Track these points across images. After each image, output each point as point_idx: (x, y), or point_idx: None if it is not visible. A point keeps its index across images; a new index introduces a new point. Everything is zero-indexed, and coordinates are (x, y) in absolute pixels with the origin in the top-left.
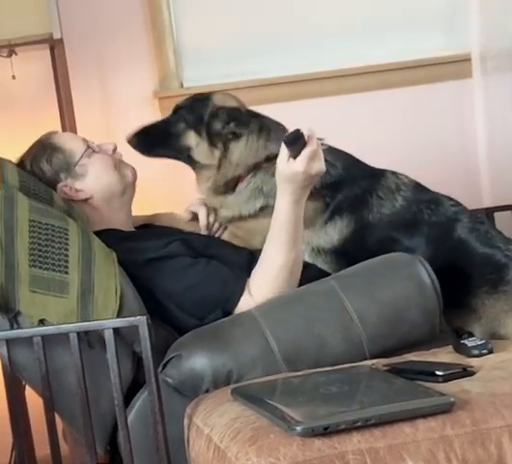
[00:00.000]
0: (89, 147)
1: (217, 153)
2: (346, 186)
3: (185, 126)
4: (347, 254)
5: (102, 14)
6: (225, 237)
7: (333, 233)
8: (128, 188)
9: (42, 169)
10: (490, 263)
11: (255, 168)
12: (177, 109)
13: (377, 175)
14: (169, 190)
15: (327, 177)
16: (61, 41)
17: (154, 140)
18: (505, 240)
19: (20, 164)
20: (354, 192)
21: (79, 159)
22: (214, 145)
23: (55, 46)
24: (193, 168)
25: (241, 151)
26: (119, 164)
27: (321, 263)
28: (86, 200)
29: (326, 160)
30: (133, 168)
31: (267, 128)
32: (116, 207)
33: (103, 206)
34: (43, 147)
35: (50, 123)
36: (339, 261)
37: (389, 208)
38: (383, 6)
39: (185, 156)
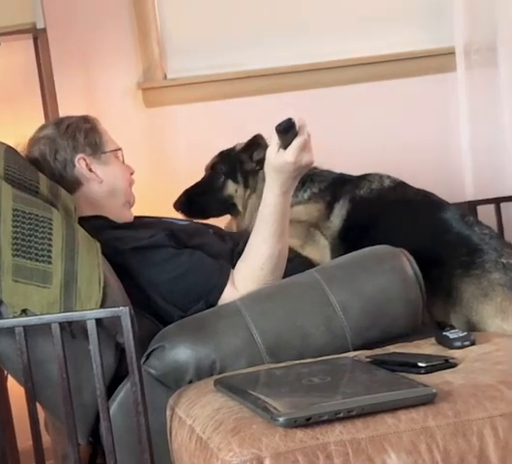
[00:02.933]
0: (119, 150)
1: (248, 192)
2: (339, 184)
3: (223, 178)
4: (348, 234)
5: (86, 5)
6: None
7: (336, 219)
8: (126, 205)
9: (75, 135)
10: (464, 244)
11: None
12: (210, 165)
13: (360, 176)
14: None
15: (322, 182)
16: (44, 30)
17: (200, 202)
18: (482, 226)
19: (55, 123)
20: (346, 183)
21: (110, 151)
22: (248, 186)
23: (38, 36)
24: (234, 215)
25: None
26: (131, 185)
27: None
28: (90, 182)
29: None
30: (134, 197)
31: None
32: (111, 204)
33: (103, 195)
34: (87, 121)
35: (33, 113)
36: (342, 248)
37: (378, 186)
38: (368, 0)
39: (230, 205)
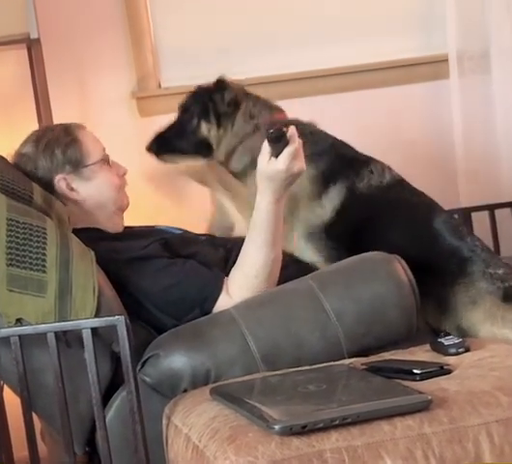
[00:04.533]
0: (105, 157)
1: (222, 131)
2: (338, 153)
3: (196, 119)
4: (336, 232)
5: (80, 14)
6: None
7: (328, 204)
8: (117, 212)
9: (53, 153)
10: (455, 255)
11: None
12: (185, 108)
13: (368, 156)
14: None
15: (317, 146)
16: (38, 40)
17: (174, 141)
18: (473, 237)
19: (33, 140)
20: (347, 158)
21: (91, 164)
22: (222, 125)
23: (32, 46)
24: (205, 157)
25: (239, 127)
26: (121, 188)
27: (312, 251)
28: (75, 201)
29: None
30: (128, 199)
31: (254, 98)
32: (100, 216)
33: (90, 210)
34: (66, 134)
35: (27, 123)
36: (329, 244)
37: (377, 183)
38: (361, 7)
39: (204, 146)
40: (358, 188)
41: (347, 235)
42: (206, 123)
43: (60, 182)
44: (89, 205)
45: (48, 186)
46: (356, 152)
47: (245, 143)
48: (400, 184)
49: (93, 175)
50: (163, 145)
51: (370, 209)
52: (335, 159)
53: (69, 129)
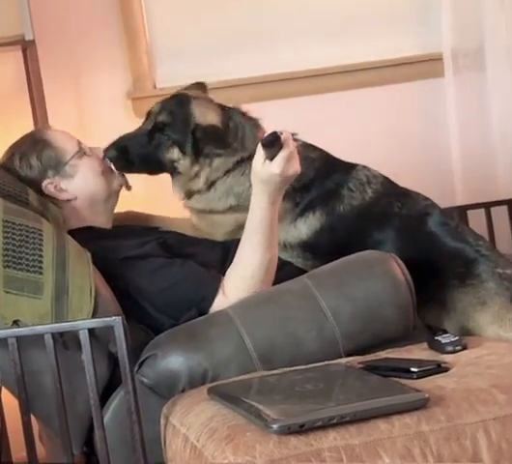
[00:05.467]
0: (81, 148)
1: (197, 167)
2: (317, 183)
3: (170, 142)
4: (316, 248)
5: (75, 16)
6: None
7: (303, 227)
8: (112, 196)
9: (30, 164)
10: (459, 257)
11: (229, 171)
12: (156, 119)
13: (348, 168)
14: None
15: (298, 178)
16: (33, 42)
17: (135, 156)
18: (475, 235)
19: (8, 157)
20: (325, 188)
21: (70, 159)
22: (197, 161)
23: (27, 48)
24: (171, 174)
25: (221, 164)
26: (107, 171)
27: (287, 257)
28: (68, 200)
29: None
30: (119, 176)
31: (242, 135)
32: (97, 211)
33: (85, 208)
34: (35, 142)
35: (23, 124)
36: (306, 255)
37: (359, 200)
38: (355, 6)
39: (169, 166)
40: (338, 212)
41: (330, 253)
42: (179, 150)
43: (48, 187)
44: (82, 202)
45: (40, 193)
46: (336, 166)
47: (227, 180)
48: (385, 195)
49: (74, 169)
50: (123, 155)
51: (354, 228)
52: (316, 185)
53: (34, 136)
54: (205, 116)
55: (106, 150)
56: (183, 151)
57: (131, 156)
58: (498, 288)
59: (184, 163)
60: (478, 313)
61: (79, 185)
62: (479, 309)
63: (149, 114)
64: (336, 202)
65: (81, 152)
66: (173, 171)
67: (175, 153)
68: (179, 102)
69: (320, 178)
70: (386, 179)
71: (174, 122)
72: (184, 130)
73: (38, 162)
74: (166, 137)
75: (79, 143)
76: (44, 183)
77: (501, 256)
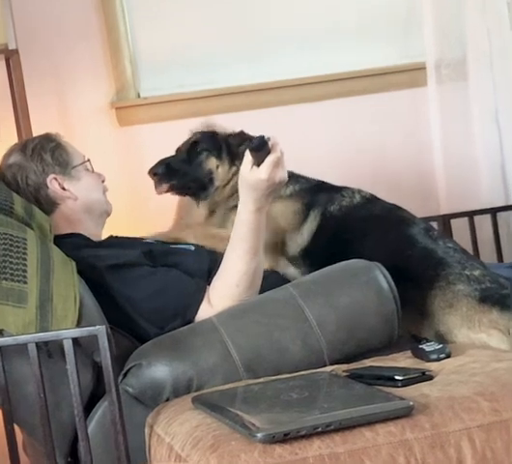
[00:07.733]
0: (88, 162)
1: (235, 168)
2: (317, 190)
3: (206, 153)
4: (313, 252)
5: (58, 25)
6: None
7: (306, 232)
8: (104, 215)
9: (42, 157)
10: (429, 258)
11: None
12: (189, 142)
13: (340, 186)
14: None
15: (302, 183)
16: (16, 51)
17: (178, 173)
18: (447, 239)
19: (23, 148)
20: (323, 191)
21: (78, 165)
22: (234, 163)
23: (10, 57)
24: (204, 189)
25: None
26: (105, 193)
27: (292, 270)
28: (67, 199)
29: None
30: (111, 205)
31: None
32: (90, 220)
33: (80, 212)
34: (50, 140)
35: (6, 133)
36: (306, 262)
37: (348, 203)
38: (339, 16)
39: (207, 180)
40: (331, 212)
41: (322, 253)
42: (215, 158)
43: (52, 182)
44: (80, 205)
45: (40, 190)
46: (331, 185)
47: None
48: (370, 202)
49: (80, 175)
50: (168, 171)
51: (342, 227)
52: (316, 192)
53: (50, 136)
54: (226, 131)
55: (154, 167)
56: (219, 157)
57: (175, 173)
58: (466, 290)
59: (221, 170)
60: (447, 316)
61: (82, 189)
62: (447, 312)
63: (180, 147)
64: (329, 203)
65: (88, 164)
66: (209, 185)
67: (213, 162)
68: (203, 128)
69: (317, 188)
70: (371, 196)
71: (205, 138)
72: (216, 141)
73: (49, 157)
74: (203, 151)
75: (85, 157)
76: (50, 177)
77: (471, 258)
